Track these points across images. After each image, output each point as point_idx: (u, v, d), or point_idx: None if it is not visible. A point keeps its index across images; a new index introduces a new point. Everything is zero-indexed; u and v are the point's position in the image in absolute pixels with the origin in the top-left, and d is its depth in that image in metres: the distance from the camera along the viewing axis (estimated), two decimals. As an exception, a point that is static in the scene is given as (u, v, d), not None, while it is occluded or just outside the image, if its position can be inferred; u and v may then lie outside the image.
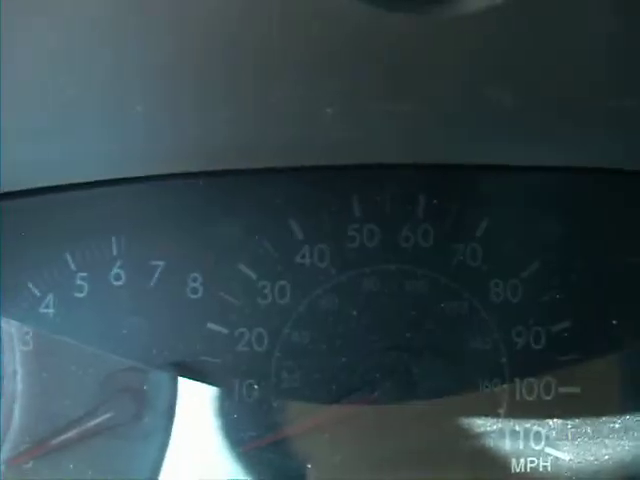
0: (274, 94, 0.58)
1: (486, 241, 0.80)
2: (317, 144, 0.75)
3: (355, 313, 0.80)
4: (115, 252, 0.83)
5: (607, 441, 0.81)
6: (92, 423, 0.82)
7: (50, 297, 0.84)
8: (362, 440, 0.80)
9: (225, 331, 0.81)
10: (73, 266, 0.84)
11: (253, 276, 0.81)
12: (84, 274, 0.84)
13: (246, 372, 0.81)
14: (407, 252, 0.80)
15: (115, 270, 0.83)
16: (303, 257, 0.80)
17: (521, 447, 0.80)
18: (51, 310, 0.84)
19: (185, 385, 0.82)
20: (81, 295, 0.83)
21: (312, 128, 0.69)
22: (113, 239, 0.83)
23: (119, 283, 0.83)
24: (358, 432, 0.80)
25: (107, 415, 0.82)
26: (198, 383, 0.82)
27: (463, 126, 0.71)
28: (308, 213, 0.81)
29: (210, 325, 0.81)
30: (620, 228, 0.82)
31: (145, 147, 0.75)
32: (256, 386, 0.80)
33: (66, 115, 0.63)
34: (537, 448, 0.80)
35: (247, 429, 0.81)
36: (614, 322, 0.81)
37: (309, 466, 0.80)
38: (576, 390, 0.80)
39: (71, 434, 0.82)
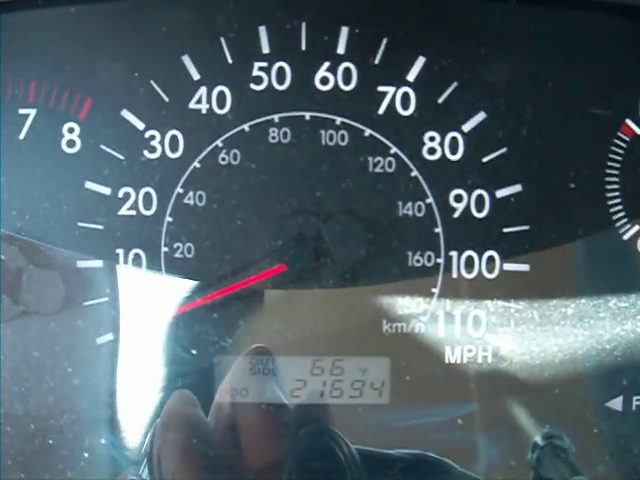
0: None
1: (421, 84, 0.69)
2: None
3: (259, 169, 0.70)
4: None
5: (557, 329, 0.72)
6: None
7: None
8: (263, 321, 0.69)
9: (107, 191, 0.70)
10: None
11: (139, 125, 0.70)
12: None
13: (132, 240, 0.71)
14: (324, 96, 0.69)
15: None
16: (199, 102, 0.70)
17: (457, 334, 0.72)
18: None
19: (62, 257, 0.70)
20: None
21: None
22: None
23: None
24: (259, 311, 0.69)
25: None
26: (76, 254, 0.70)
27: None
28: (204, 47, 0.70)
29: (89, 184, 0.70)
30: (582, 72, 0.70)
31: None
32: (144, 256, 0.69)
33: None
34: (475, 335, 0.72)
35: (133, 307, 0.69)
36: (572, 186, 0.69)
37: (194, 352, 0.68)
38: (524, 268, 0.71)
39: None
